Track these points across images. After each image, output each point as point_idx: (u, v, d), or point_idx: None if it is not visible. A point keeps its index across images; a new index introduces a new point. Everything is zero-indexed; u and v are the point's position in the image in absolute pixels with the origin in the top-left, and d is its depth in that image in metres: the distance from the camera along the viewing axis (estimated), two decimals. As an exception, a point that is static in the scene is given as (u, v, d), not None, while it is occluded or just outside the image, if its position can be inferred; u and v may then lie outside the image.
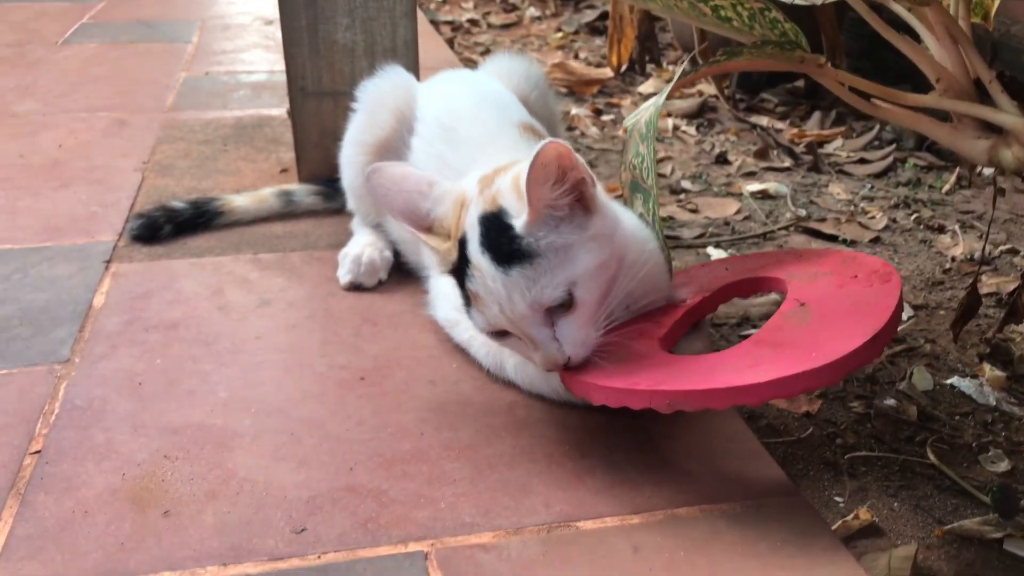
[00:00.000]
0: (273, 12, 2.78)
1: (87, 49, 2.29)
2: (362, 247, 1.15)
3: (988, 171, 1.89)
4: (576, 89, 2.41)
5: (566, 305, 0.80)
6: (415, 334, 1.03)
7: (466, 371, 0.95)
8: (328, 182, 1.31)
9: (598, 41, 2.96)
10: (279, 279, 1.15)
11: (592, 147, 2.03)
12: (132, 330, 1.02)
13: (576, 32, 3.08)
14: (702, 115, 2.26)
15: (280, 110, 1.82)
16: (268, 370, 0.96)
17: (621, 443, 0.85)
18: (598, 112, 2.28)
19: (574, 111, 2.27)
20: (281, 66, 2.15)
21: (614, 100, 2.38)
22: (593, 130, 2.16)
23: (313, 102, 1.35)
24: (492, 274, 0.80)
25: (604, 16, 3.01)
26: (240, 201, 1.31)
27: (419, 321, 1.05)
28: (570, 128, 2.15)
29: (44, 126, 1.70)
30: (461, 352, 0.98)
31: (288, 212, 1.33)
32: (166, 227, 1.25)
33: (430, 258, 0.98)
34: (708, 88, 2.37)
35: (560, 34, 3.04)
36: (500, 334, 0.84)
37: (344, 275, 1.13)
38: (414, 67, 1.36)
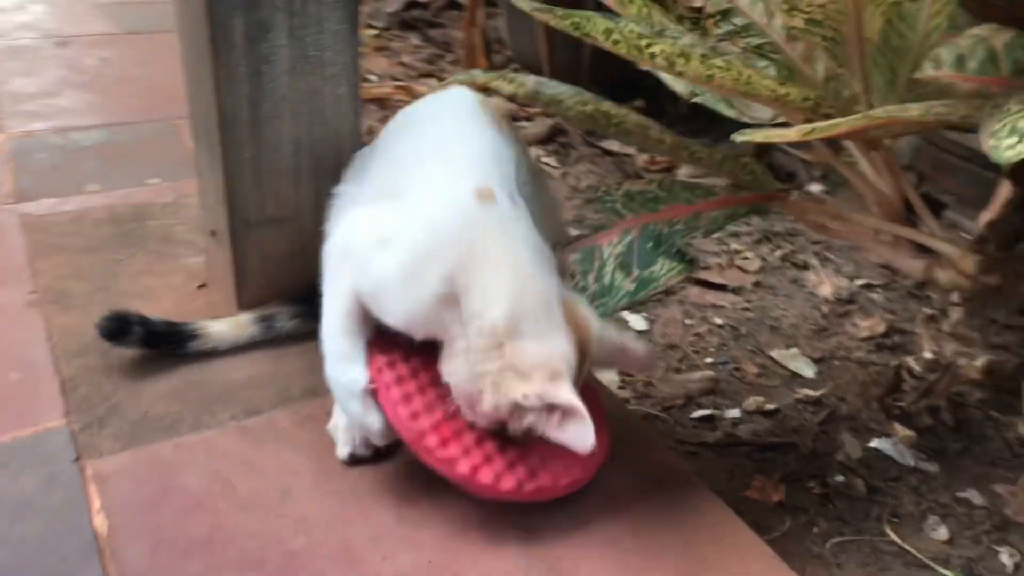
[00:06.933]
0: (56, 26, 2.43)
1: None
2: None
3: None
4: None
5: None
6: (459, 515, 1.02)
7: None
8: (305, 300, 1.22)
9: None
10: (283, 455, 1.09)
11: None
12: (164, 559, 0.94)
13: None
14: (554, 140, 2.33)
15: (154, 181, 1.64)
16: (340, 592, 0.92)
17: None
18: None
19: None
20: (121, 116, 1.94)
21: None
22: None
23: (256, 231, 1.25)
24: None
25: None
26: (217, 326, 1.24)
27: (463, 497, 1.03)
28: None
29: None
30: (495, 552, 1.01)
31: (268, 339, 1.26)
32: (136, 330, 1.19)
33: None
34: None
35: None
36: None
37: (342, 447, 1.09)
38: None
